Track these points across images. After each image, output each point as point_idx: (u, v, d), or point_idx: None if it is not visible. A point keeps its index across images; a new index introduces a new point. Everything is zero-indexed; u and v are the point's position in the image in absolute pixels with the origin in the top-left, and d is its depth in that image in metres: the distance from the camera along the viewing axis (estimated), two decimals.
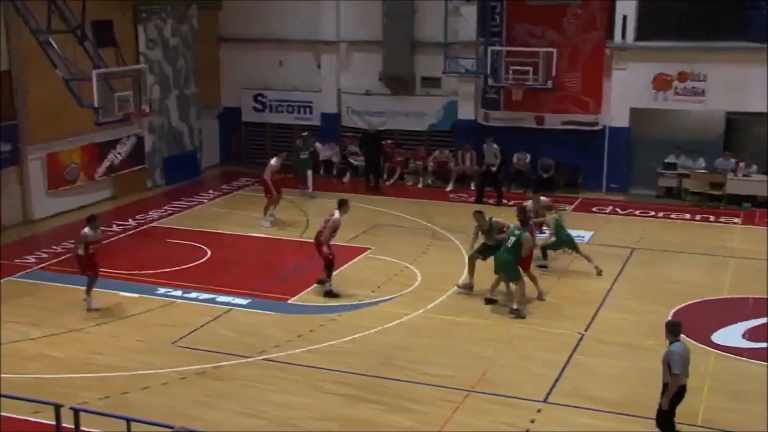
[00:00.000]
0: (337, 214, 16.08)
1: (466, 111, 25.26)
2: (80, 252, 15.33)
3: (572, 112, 24.26)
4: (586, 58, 23.89)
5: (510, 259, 15.05)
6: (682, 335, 10.37)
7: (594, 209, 22.70)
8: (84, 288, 15.45)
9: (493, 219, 16.29)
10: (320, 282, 16.21)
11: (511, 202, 22.83)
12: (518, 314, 14.85)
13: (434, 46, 24.78)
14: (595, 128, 24.22)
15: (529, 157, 24.56)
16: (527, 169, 24.54)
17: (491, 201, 22.61)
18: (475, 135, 24.73)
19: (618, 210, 22.58)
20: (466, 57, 24.48)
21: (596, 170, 24.40)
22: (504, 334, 14.27)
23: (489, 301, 15.46)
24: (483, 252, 16.13)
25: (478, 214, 16.25)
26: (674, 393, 9.96)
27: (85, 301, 15.37)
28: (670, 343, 10.09)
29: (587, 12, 23.70)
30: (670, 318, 14.70)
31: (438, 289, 16.09)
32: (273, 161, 21.04)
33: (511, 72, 23.38)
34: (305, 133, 24.69)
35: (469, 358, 13.40)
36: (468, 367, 13.05)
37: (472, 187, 24.26)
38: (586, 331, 14.42)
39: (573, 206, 22.96)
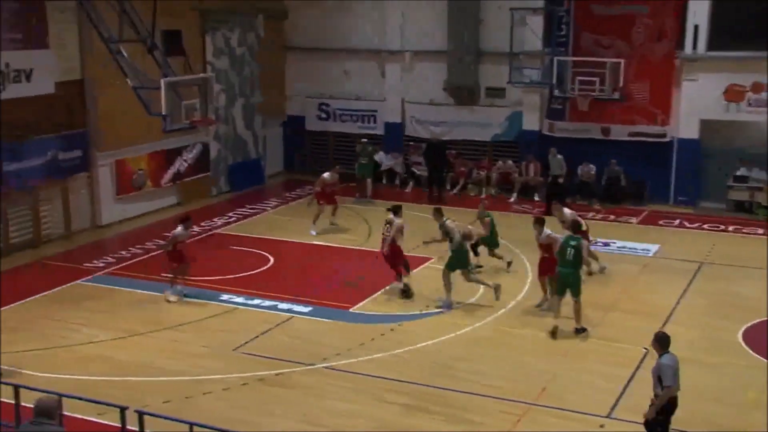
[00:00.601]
0: (396, 219, 16.21)
1: (531, 121, 25.11)
2: (168, 248, 16.27)
3: (639, 123, 23.92)
4: (655, 68, 23.55)
5: (575, 272, 14.81)
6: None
7: (661, 222, 22.31)
8: (151, 293, 15.77)
9: (446, 222, 16.07)
10: (405, 292, 16.37)
11: (577, 214, 22.61)
12: (583, 331, 14.62)
13: (499, 56, 24.68)
14: (663, 140, 23.84)
15: (593, 168, 24.28)
16: (592, 180, 24.27)
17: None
18: (539, 146, 24.56)
19: (686, 223, 22.16)
20: (531, 67, 24.33)
21: (663, 182, 24.01)
22: (566, 348, 14.10)
23: (553, 333, 14.50)
24: (457, 264, 15.83)
25: (437, 213, 16.34)
26: (664, 405, 9.85)
27: (168, 292, 16.16)
28: (660, 356, 9.98)
29: (656, 21, 23.37)
30: (739, 335, 14.40)
31: (501, 300, 15.97)
32: (326, 175, 21.22)
33: (577, 82, 23.18)
34: (363, 140, 24.91)
35: (531, 371, 13.27)
36: (529, 379, 12.93)
37: (536, 198, 24.07)
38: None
39: (639, 219, 22.63)
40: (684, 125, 23.57)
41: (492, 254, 18.12)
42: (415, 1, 25.96)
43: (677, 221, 22.36)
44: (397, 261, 16.58)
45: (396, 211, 16.71)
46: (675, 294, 16.66)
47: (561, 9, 24.00)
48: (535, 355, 13.87)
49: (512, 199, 24.31)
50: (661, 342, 10.08)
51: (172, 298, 16.25)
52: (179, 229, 16.42)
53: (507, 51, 24.21)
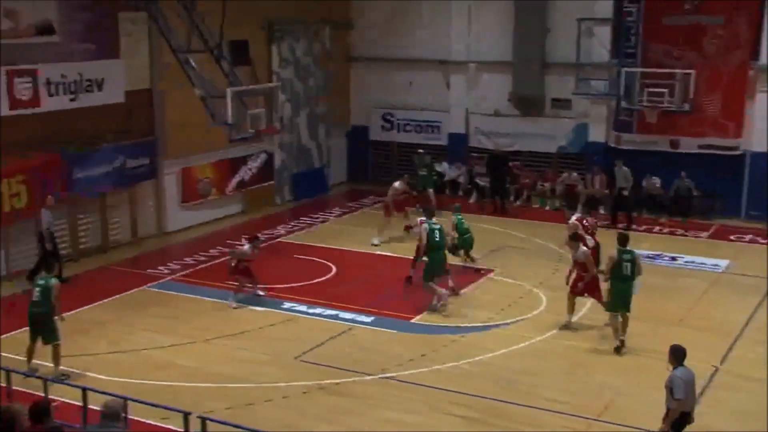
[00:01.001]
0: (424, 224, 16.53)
1: (597, 133, 24.83)
2: (232, 263, 16.54)
3: (710, 135, 23.44)
4: (727, 79, 23.08)
5: (631, 285, 14.49)
6: None
7: (732, 237, 21.84)
8: (214, 300, 16.00)
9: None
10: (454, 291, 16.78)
11: (642, 228, 22.32)
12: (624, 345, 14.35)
13: (565, 67, 24.50)
14: (735, 153, 23.34)
15: (658, 180, 23.88)
16: (659, 193, 23.87)
17: (621, 225, 22.06)
18: (605, 158, 24.25)
19: (759, 239, 21.63)
20: (598, 78, 24.10)
21: (734, 196, 23.48)
22: (631, 363, 13.88)
23: (618, 350, 14.31)
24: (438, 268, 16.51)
25: (426, 212, 17.13)
26: (676, 419, 9.74)
27: (232, 300, 16.47)
28: (674, 369, 9.89)
29: (730, 31, 22.91)
30: None
31: (563, 313, 15.79)
32: (397, 184, 21.33)
33: (645, 94, 22.81)
34: (420, 151, 24.86)
35: (594, 386, 13.10)
36: (592, 395, 12.77)
37: (601, 211, 23.77)
38: (721, 364, 13.86)
39: (709, 233, 22.18)
40: (757, 138, 23.03)
41: (466, 255, 18.38)
42: (481, 12, 25.92)
43: (749, 236, 21.86)
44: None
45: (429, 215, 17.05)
46: (746, 311, 16.28)
47: (630, 19, 23.68)
48: (599, 370, 13.68)
49: (577, 212, 23.97)
50: (676, 354, 9.97)
51: (234, 305, 16.48)
52: (246, 247, 16.64)
53: (573, 62, 24.03)
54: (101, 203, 20.17)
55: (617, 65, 23.61)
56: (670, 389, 9.78)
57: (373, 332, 15.39)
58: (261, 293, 16.96)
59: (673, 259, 19.60)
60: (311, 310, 16.36)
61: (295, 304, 16.65)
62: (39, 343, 13.40)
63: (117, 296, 17.17)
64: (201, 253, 20.08)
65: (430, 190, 23.88)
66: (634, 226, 22.15)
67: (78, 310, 16.29)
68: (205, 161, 22.66)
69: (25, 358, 13.33)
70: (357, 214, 24.25)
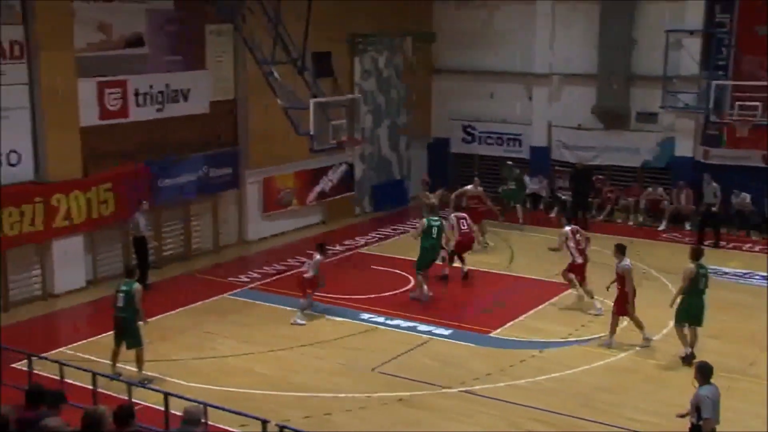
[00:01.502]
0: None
1: (684, 148, 24.28)
2: (310, 274, 16.52)
3: None
4: None
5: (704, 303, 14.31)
6: None
7: None
8: (294, 309, 16.16)
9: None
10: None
11: (730, 245, 21.73)
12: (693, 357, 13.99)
13: (652, 80, 24.06)
14: None
15: (748, 196, 23.20)
16: (748, 210, 23.20)
17: (708, 242, 21.51)
18: (692, 173, 23.71)
19: None
20: (686, 91, 23.59)
21: None
22: (718, 385, 13.46)
23: (688, 359, 14.16)
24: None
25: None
26: None
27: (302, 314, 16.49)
28: (700, 386, 9.84)
29: None
30: None
31: (645, 331, 15.48)
32: (468, 187, 21.68)
33: (736, 107, 22.21)
34: (509, 163, 24.62)
35: (678, 407, 12.70)
36: (674, 415, 12.43)
37: (687, 227, 23.24)
38: None
39: None
40: None
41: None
42: (565, 24, 25.68)
43: None
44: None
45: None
46: None
47: (722, 30, 23.12)
48: (684, 391, 13.23)
49: (662, 227, 23.54)
50: (703, 372, 9.91)
51: (302, 322, 16.38)
52: (318, 257, 16.64)
53: (660, 74, 23.57)
54: (185, 211, 20.61)
55: (707, 78, 23.06)
56: (697, 407, 9.74)
57: (452, 345, 15.33)
58: (301, 322, 16.45)
59: (765, 278, 19.01)
60: (389, 322, 16.40)
61: (373, 315, 16.72)
62: (123, 347, 13.74)
63: (198, 303, 17.49)
64: (280, 263, 20.32)
65: (518, 206, 23.53)
66: (722, 243, 21.59)
67: (160, 316, 16.66)
68: (287, 171, 22.93)
69: (110, 362, 13.69)
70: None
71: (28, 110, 17.22)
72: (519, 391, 13.30)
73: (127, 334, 13.58)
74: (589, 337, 15.54)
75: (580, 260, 17.27)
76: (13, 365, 13.47)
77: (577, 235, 17.44)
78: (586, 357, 14.57)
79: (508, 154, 26.93)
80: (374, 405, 12.81)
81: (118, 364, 13.69)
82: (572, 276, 17.23)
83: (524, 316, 16.70)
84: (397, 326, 16.19)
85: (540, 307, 17.12)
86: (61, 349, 14.84)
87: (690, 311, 14.38)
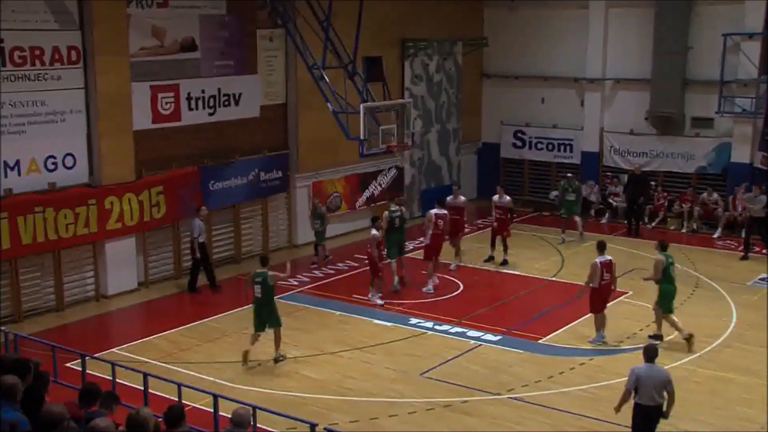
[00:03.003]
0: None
1: (741, 153, 23.83)
2: (374, 253, 17.20)
3: None
4: None
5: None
6: None
7: None
8: (343, 313, 16.23)
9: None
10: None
11: None
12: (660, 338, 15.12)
13: (708, 85, 23.70)
14: None
15: None
16: None
17: (756, 249, 21.14)
18: (749, 179, 23.28)
19: None
20: (744, 96, 23.17)
21: None
22: None
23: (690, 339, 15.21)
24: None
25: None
26: (636, 411, 10.89)
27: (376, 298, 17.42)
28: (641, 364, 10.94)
29: None
30: None
31: (700, 339, 15.27)
32: (494, 197, 21.14)
33: None
34: (569, 175, 24.03)
35: (734, 419, 12.56)
36: (732, 428, 12.24)
37: (743, 235, 22.82)
38: None
39: None
40: None
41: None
42: (619, 29, 25.42)
43: None
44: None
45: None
46: None
47: None
48: (741, 403, 13.11)
49: (716, 235, 23.14)
50: (645, 352, 11.04)
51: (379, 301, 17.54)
52: (374, 230, 17.39)
53: (717, 79, 23.20)
54: (235, 215, 20.81)
55: (766, 82, 22.63)
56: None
57: (500, 351, 15.27)
58: (379, 302, 17.48)
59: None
60: (438, 327, 16.38)
61: (421, 320, 16.71)
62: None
63: (247, 307, 17.58)
64: (329, 267, 20.42)
65: (577, 218, 22.98)
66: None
67: (209, 318, 16.89)
68: (336, 176, 23.06)
69: (249, 346, 14.54)
70: (486, 231, 24.08)
71: (84, 114, 17.57)
72: (568, 399, 13.19)
73: (270, 318, 14.64)
74: (639, 345, 15.26)
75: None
76: (67, 364, 13.74)
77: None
78: (637, 365, 14.33)
79: (559, 159, 26.79)
80: (422, 410, 12.80)
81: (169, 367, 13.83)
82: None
83: (574, 322, 16.55)
84: (446, 332, 16.17)
85: (590, 314, 16.92)
86: (113, 350, 15.08)
87: (668, 299, 15.32)
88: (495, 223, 20.88)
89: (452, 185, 22.73)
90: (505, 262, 20.57)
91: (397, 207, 19.27)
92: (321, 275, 19.81)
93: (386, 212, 18.85)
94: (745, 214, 22.21)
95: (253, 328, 14.70)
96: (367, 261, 18.15)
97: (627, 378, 10.91)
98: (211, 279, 18.73)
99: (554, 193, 26.30)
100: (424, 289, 18.54)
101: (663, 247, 15.69)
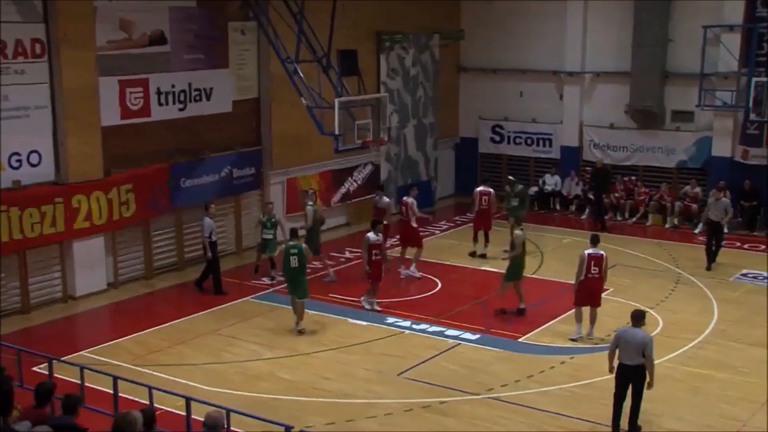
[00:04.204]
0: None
1: (722, 147, 24.02)
2: (366, 257, 16.89)
3: None
4: None
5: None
6: None
7: None
8: (318, 313, 16.14)
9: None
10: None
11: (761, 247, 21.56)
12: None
13: (688, 78, 23.86)
14: None
15: None
16: None
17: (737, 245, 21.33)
18: (730, 173, 23.47)
19: None
20: (724, 89, 23.33)
21: None
22: (759, 394, 13.34)
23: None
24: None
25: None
26: (617, 370, 11.89)
27: (367, 303, 17.16)
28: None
29: None
30: None
31: (681, 337, 15.38)
32: (480, 188, 21.38)
33: None
34: (510, 177, 23.27)
35: (715, 417, 12.65)
36: (714, 426, 12.33)
37: (725, 230, 22.96)
38: None
39: None
40: None
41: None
42: (598, 21, 25.52)
43: None
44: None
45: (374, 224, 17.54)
46: None
47: (762, 25, 22.79)
48: (723, 400, 13.22)
49: (697, 230, 23.29)
50: (632, 316, 12.00)
51: (367, 306, 17.27)
52: (370, 234, 17.06)
53: (697, 72, 23.35)
54: (206, 213, 20.65)
55: (746, 75, 22.79)
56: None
57: (479, 350, 15.29)
58: (369, 308, 17.28)
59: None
60: (416, 326, 16.38)
61: (398, 320, 16.70)
62: None
63: (220, 307, 17.57)
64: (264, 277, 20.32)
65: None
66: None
67: (181, 319, 16.80)
68: (311, 172, 22.99)
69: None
70: (463, 228, 24.13)
71: (49, 109, 17.38)
72: (549, 398, 13.22)
73: (300, 288, 16.00)
74: None
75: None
76: (34, 368, 13.60)
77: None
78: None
79: (538, 154, 26.92)
80: (399, 411, 12.80)
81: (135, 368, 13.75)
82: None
83: (555, 320, 16.61)
84: (423, 331, 16.17)
85: (571, 311, 16.99)
86: (81, 353, 14.96)
87: (519, 271, 16.71)
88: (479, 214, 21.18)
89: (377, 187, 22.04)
90: (483, 256, 20.71)
91: (313, 202, 19.90)
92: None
93: (309, 207, 19.47)
94: (704, 219, 20.66)
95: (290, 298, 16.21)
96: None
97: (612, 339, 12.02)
98: (218, 282, 18.53)
99: (533, 188, 26.44)
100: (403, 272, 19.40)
101: (518, 222, 17.51)
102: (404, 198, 20.25)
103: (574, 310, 15.79)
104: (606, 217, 24.23)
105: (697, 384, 13.79)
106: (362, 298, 17.40)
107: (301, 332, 15.91)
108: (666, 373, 14.10)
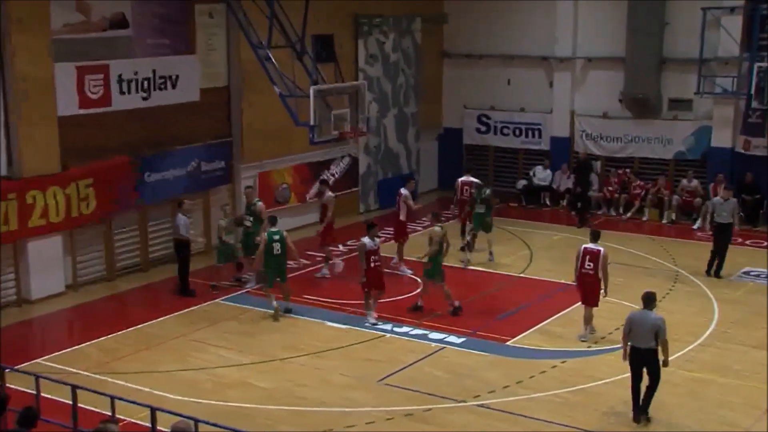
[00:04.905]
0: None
1: (722, 137, 24.20)
2: (362, 265, 16.56)
3: None
4: None
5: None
6: None
7: None
8: (289, 315, 16.11)
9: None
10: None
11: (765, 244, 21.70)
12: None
13: (686, 63, 24.02)
14: None
15: None
16: None
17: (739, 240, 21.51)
18: (731, 165, 23.63)
19: None
20: (725, 75, 23.48)
21: None
22: (762, 400, 13.43)
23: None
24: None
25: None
26: (630, 353, 12.60)
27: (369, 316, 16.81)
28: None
29: None
30: None
31: (680, 339, 15.44)
32: (462, 179, 21.68)
33: None
34: (478, 181, 21.55)
35: (715, 424, 12.74)
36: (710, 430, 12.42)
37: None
38: None
39: None
40: None
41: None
42: (590, 4, 25.61)
43: None
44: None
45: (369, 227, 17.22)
46: None
47: (765, 7, 22.92)
48: (724, 406, 13.30)
49: (696, 226, 23.43)
50: (643, 298, 12.75)
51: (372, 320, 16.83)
52: (365, 239, 16.68)
53: (696, 57, 23.48)
54: (173, 209, 20.56)
55: (748, 60, 22.93)
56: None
57: (465, 354, 15.31)
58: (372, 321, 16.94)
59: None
60: (397, 329, 16.39)
61: (379, 322, 16.69)
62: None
63: (187, 310, 17.51)
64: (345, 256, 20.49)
65: (489, 238, 20.84)
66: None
67: (146, 324, 16.72)
68: (285, 165, 22.95)
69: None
70: (447, 225, 24.10)
71: (0, 98, 17.22)
72: (539, 405, 13.25)
73: (283, 273, 17.24)
74: (617, 346, 15.44)
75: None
76: None
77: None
78: (613, 368, 14.48)
79: (527, 145, 27.05)
80: (380, 420, 12.79)
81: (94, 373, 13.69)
82: None
83: (545, 322, 16.67)
84: (406, 334, 16.19)
85: (562, 312, 17.07)
86: (37, 361, 14.85)
87: (439, 268, 17.09)
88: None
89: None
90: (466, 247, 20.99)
91: (256, 202, 19.60)
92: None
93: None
94: (709, 221, 20.15)
95: (268, 285, 17.11)
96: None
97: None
98: (185, 281, 18.48)
99: (521, 182, 26.54)
100: (317, 275, 19.74)
101: (437, 219, 17.76)
102: (400, 189, 20.44)
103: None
104: (588, 213, 24.27)
105: (696, 389, 13.87)
106: (366, 312, 16.89)
107: (288, 310, 17.02)
108: (663, 377, 14.08)
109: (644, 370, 12.58)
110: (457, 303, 17.17)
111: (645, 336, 12.40)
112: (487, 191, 21.00)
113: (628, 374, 14.16)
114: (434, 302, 17.38)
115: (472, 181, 21.42)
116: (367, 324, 16.59)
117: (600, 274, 15.54)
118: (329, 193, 20.17)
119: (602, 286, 15.65)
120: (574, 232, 22.96)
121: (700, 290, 18.44)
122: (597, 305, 15.84)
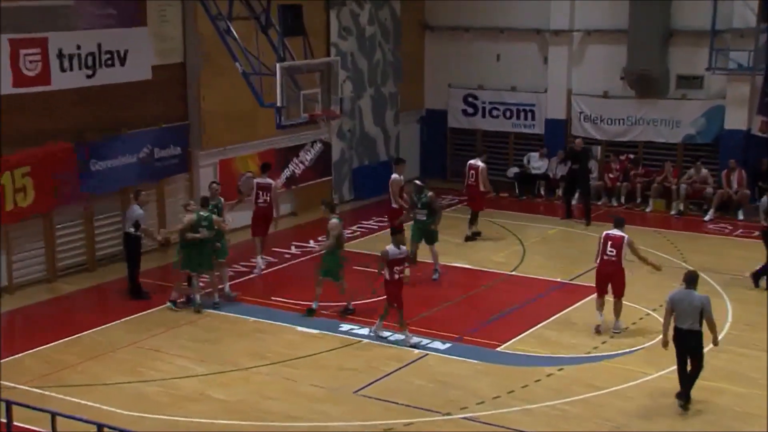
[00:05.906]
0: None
1: (736, 119, 24.34)
2: (386, 276, 16.05)
3: None
4: None
5: None
6: None
7: None
8: (258, 319, 16.12)
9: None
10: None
11: None
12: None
13: (696, 36, 24.16)
14: None
15: None
16: None
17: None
18: (746, 149, 23.78)
19: None
20: (739, 49, 23.61)
21: None
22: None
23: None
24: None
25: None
26: (674, 334, 13.26)
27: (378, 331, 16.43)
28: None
29: None
30: None
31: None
32: (472, 161, 22.19)
33: None
34: (416, 181, 20.61)
35: None
36: None
37: (740, 217, 23.27)
38: None
39: None
40: None
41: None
42: None
43: None
44: None
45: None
46: None
47: None
48: (736, 418, 13.40)
49: (708, 217, 23.57)
50: (685, 278, 13.39)
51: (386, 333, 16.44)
52: (389, 247, 16.06)
53: (707, 29, 23.59)
54: (123, 201, 20.46)
55: (766, 31, 23.04)
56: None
57: (451, 362, 15.36)
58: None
59: None
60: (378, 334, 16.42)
61: (354, 327, 16.74)
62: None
63: (139, 314, 17.46)
64: (241, 264, 20.29)
65: (432, 246, 19.80)
66: None
67: (92, 330, 16.65)
68: (249, 152, 22.93)
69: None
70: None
71: None
72: (533, 418, 13.31)
73: (208, 260, 17.69)
74: (619, 352, 15.57)
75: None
76: None
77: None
78: (614, 376, 14.62)
79: (519, 128, 27.15)
80: None
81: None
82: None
83: (539, 325, 16.75)
84: (385, 339, 16.20)
85: (558, 314, 17.14)
86: None
87: (333, 266, 17.36)
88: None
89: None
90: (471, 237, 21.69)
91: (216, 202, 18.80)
92: (232, 274, 19.61)
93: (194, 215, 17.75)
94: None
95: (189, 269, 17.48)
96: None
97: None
98: (135, 282, 18.42)
99: (513, 170, 26.62)
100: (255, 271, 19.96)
101: (332, 209, 18.11)
102: (393, 175, 20.71)
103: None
104: (574, 203, 24.41)
105: (708, 399, 13.94)
106: (373, 329, 16.55)
107: (231, 298, 17.94)
108: (670, 386, 14.27)
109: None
110: (351, 304, 17.41)
111: (688, 316, 13.05)
112: (429, 194, 19.73)
113: (632, 383, 14.50)
114: (417, 305, 17.42)
115: (477, 165, 21.58)
116: (409, 343, 15.90)
117: (623, 263, 16.21)
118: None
119: (629, 273, 16.42)
120: (570, 225, 23.08)
121: (711, 289, 18.46)
122: (623, 294, 16.23)
